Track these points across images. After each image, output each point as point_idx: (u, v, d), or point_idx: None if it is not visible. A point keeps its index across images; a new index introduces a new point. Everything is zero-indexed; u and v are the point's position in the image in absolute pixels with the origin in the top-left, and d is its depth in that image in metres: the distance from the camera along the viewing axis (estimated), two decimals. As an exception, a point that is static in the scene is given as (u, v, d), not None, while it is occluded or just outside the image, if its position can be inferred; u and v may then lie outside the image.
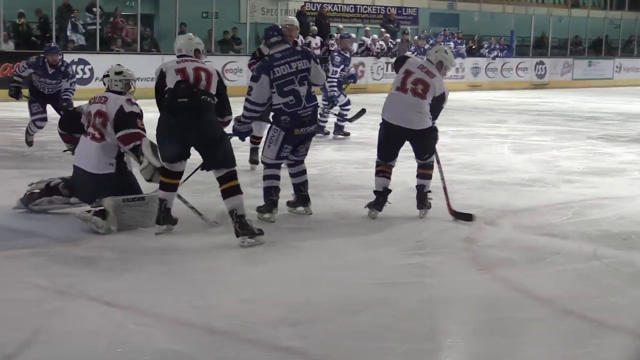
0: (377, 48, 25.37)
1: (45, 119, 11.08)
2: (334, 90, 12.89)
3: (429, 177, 7.48)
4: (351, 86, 13.48)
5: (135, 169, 6.89)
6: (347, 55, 13.49)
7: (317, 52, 23.59)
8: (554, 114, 18.87)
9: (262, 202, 7.22)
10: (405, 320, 4.80)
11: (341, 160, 10.55)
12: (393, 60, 24.95)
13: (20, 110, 16.06)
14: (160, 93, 6.53)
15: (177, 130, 6.41)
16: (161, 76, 6.54)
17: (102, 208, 6.54)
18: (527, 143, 12.15)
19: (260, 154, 7.84)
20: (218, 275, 5.63)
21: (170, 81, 6.46)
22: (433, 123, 7.36)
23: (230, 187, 6.43)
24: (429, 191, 7.48)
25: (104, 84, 7.11)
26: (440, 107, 7.43)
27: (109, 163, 6.81)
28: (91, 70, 19.30)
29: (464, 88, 26.31)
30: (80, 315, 4.72)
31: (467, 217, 7.25)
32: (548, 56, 30.95)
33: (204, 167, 6.68)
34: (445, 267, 5.96)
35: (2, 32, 18.97)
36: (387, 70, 25.37)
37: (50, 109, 11.17)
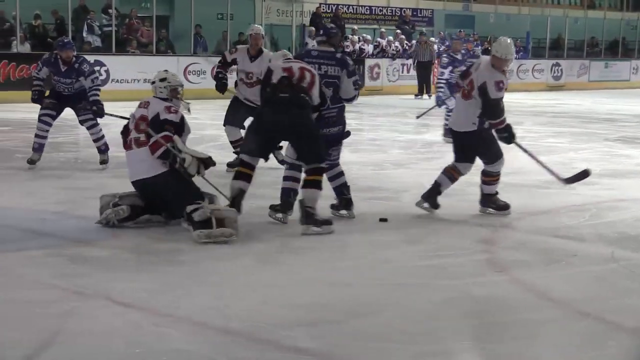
0: (393, 49, 25.35)
1: (53, 117, 9.97)
2: (441, 91, 12.87)
3: (486, 182, 7.59)
4: (366, 87, 13.44)
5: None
6: (457, 57, 13.16)
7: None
8: (570, 116, 18.82)
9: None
10: (420, 321, 4.79)
11: (357, 162, 10.54)
12: (409, 61, 25.16)
13: (33, 111, 16.14)
14: (265, 89, 6.96)
15: (270, 121, 6.83)
16: (268, 73, 7.01)
17: (206, 217, 6.40)
18: (543, 145, 12.11)
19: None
20: (234, 277, 5.64)
21: (276, 78, 6.87)
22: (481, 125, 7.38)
23: (312, 180, 6.83)
24: (496, 193, 7.64)
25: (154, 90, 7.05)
26: (486, 102, 7.32)
27: (162, 162, 6.66)
28: (107, 71, 19.36)
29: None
30: (97, 316, 4.73)
31: (584, 175, 7.62)
32: (564, 58, 30.84)
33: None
34: (461, 268, 5.94)
35: (19, 33, 19.04)
36: (402, 72, 25.38)
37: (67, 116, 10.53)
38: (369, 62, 24.61)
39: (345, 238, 6.72)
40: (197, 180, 6.74)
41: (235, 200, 6.89)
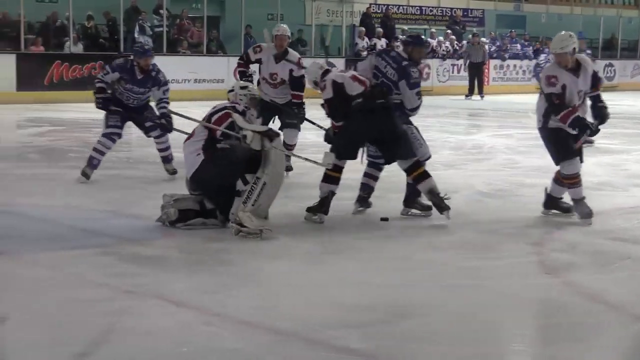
0: (443, 50, 25.25)
1: (120, 135, 9.22)
2: None
3: (558, 182, 7.41)
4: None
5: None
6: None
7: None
8: (623, 117, 18.52)
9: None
10: (469, 323, 4.76)
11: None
12: (459, 62, 25.03)
13: (91, 111, 16.32)
14: (341, 100, 7.14)
15: (374, 128, 7.09)
16: (338, 86, 7.17)
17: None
18: (595, 146, 11.95)
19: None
20: (282, 277, 5.64)
21: (351, 88, 7.13)
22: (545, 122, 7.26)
23: (420, 174, 7.18)
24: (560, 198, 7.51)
25: (229, 99, 7.07)
26: (546, 98, 7.21)
27: (197, 154, 6.71)
28: (158, 72, 19.49)
29: (531, 90, 25.93)
30: (147, 315, 4.77)
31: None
32: (617, 58, 30.44)
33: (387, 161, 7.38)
34: (512, 270, 5.89)
35: (72, 34, 19.26)
36: (452, 72, 25.26)
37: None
38: (419, 62, 24.47)
39: (393, 240, 6.70)
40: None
41: (325, 202, 7.12)
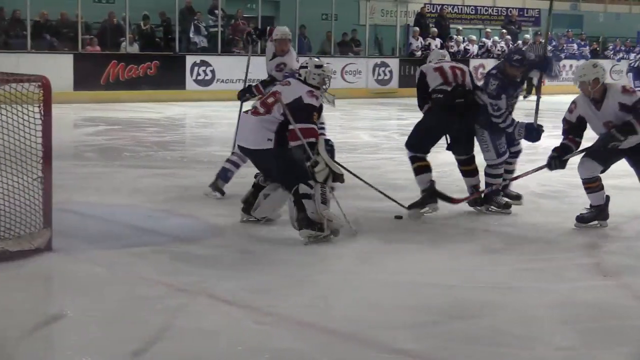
0: (498, 50, 25.04)
1: None
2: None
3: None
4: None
5: None
6: None
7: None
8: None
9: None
10: (524, 325, 4.71)
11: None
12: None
13: (145, 110, 16.50)
14: (423, 92, 7.49)
15: (454, 125, 7.44)
16: (422, 76, 7.51)
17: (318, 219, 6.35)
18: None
19: None
20: (337, 277, 5.64)
21: (432, 80, 7.43)
22: None
23: (470, 170, 7.60)
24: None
25: (299, 74, 6.90)
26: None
27: (267, 138, 6.53)
28: (212, 71, 19.66)
29: (587, 91, 25.70)
30: (200, 314, 4.79)
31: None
32: (676, 58, 29.94)
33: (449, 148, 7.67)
34: (567, 272, 5.83)
35: (128, 34, 19.46)
36: (507, 72, 25.02)
37: None
38: (473, 62, 24.35)
39: (449, 241, 6.66)
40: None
41: (431, 192, 7.38)
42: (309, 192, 6.36)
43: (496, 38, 25.44)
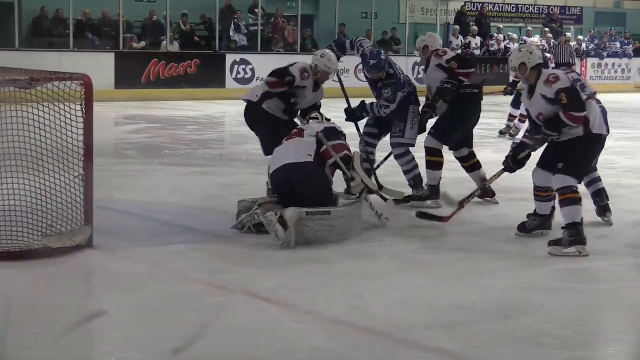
0: (540, 48, 24.83)
1: None
2: None
3: None
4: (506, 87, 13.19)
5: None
6: None
7: (477, 52, 23.35)
8: None
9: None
10: (564, 326, 4.67)
11: (500, 162, 10.35)
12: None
13: (185, 108, 16.58)
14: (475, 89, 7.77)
15: (474, 116, 7.79)
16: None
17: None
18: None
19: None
20: (374, 276, 5.63)
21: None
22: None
23: (474, 163, 7.85)
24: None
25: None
26: None
27: (307, 154, 6.60)
28: (252, 70, 19.70)
29: (630, 90, 25.47)
30: (239, 311, 4.82)
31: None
32: None
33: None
34: (609, 273, 5.78)
35: (169, 33, 19.57)
36: (548, 71, 24.83)
37: None
38: (514, 61, 24.18)
39: (487, 240, 6.63)
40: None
41: (437, 189, 7.60)
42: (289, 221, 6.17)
43: (538, 37, 25.23)
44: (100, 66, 17.28)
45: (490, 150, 11.17)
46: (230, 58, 19.77)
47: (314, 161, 6.60)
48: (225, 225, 6.71)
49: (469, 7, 25.15)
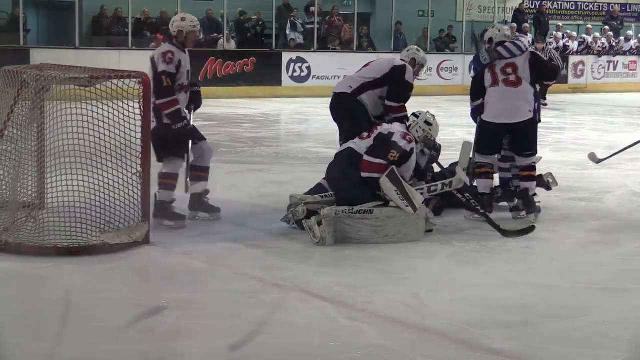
0: (599, 46, 24.55)
1: None
2: None
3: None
4: (570, 85, 13.05)
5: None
6: None
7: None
8: None
9: None
10: (625, 328, 4.62)
11: (559, 161, 10.28)
12: (615, 58, 24.28)
13: (240, 106, 16.68)
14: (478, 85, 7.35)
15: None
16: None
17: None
18: None
19: None
20: (430, 274, 5.62)
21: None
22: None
23: (528, 175, 7.22)
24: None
25: (408, 119, 6.90)
26: None
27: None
28: (308, 68, 19.75)
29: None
30: (295, 309, 4.83)
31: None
32: None
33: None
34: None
35: (225, 31, 19.69)
36: (608, 70, 24.55)
37: None
38: (573, 59, 23.96)
39: (545, 239, 6.56)
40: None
41: (486, 199, 7.15)
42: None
43: (597, 34, 24.93)
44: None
45: (549, 150, 11.07)
46: (286, 56, 19.84)
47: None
48: (280, 222, 6.73)
49: (527, 5, 24.92)
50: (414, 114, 6.88)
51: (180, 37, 6.86)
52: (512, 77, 7.06)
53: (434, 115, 6.87)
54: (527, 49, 7.23)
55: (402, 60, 7.28)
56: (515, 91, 7.06)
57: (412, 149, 6.52)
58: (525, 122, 7.08)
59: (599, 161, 7.07)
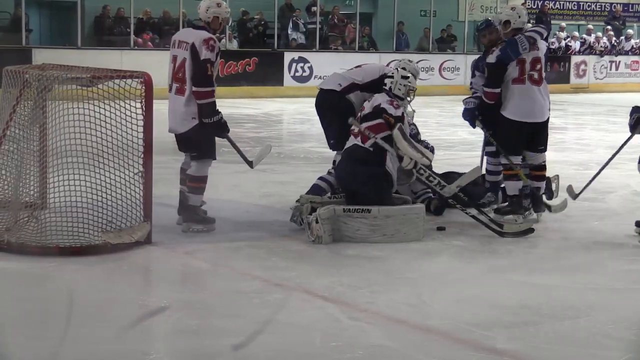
0: (601, 46, 24.54)
1: None
2: None
3: None
4: (572, 85, 13.04)
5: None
6: None
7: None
8: None
9: None
10: (628, 328, 4.62)
11: (561, 161, 10.27)
12: (617, 58, 24.28)
13: (242, 106, 16.66)
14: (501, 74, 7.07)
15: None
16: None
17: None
18: None
19: None
20: (433, 274, 5.61)
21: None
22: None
23: (540, 175, 7.24)
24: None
25: (385, 83, 6.81)
26: None
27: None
28: (310, 68, 19.75)
29: None
30: (297, 309, 4.83)
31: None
32: None
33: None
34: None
35: (227, 31, 19.68)
36: (610, 69, 24.54)
37: None
38: (575, 59, 23.95)
39: (546, 240, 6.57)
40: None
41: (519, 199, 7.08)
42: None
43: (599, 34, 24.93)
44: (160, 64, 17.34)
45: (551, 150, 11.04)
46: (288, 56, 19.83)
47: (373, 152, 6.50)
48: (282, 222, 6.73)
49: (529, 5, 24.89)
50: (387, 75, 6.85)
51: (214, 24, 6.72)
52: (536, 75, 7.02)
53: (410, 61, 7.06)
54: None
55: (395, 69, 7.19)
56: (539, 89, 7.05)
57: (403, 113, 6.61)
58: (546, 120, 7.15)
59: (575, 196, 7.05)
